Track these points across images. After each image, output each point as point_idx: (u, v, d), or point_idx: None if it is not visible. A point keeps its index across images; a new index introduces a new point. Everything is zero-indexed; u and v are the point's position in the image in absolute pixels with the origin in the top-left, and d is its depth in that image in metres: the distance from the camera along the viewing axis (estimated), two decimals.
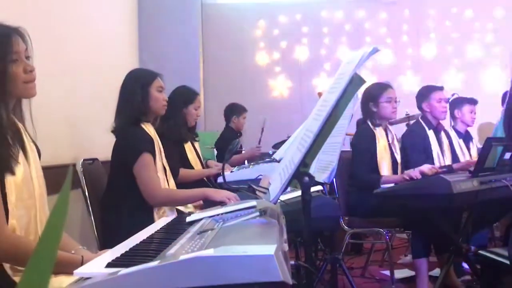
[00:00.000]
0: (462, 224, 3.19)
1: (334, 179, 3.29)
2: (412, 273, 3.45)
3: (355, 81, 1.64)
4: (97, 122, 3.27)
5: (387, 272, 3.59)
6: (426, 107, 3.58)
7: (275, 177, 1.68)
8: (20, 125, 1.56)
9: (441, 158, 3.52)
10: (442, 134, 3.68)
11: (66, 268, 1.32)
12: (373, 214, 3.20)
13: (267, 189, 1.64)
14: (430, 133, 3.55)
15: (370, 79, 5.28)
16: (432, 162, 3.39)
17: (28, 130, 1.61)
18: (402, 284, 3.41)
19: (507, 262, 1.89)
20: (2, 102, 1.46)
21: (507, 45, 5.85)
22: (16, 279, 1.42)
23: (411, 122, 3.94)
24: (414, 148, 3.48)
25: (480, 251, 2.09)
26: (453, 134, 4.00)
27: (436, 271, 3.36)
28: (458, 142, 3.99)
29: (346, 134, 3.53)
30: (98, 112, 3.31)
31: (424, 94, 3.60)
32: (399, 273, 3.62)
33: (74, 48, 3.13)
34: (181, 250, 1.19)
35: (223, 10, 5.95)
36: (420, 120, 3.62)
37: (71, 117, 3.05)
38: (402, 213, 3.10)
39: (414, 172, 3.13)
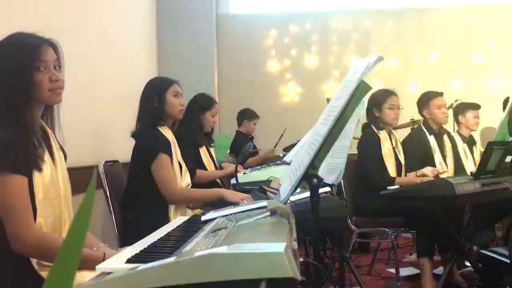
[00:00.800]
0: (464, 224, 3.17)
1: (341, 181, 3.29)
2: (417, 271, 3.43)
3: (362, 87, 1.64)
4: (117, 127, 3.30)
5: (393, 270, 3.57)
6: (427, 114, 3.53)
7: (285, 178, 1.68)
8: (49, 130, 1.59)
9: (443, 163, 3.48)
10: (445, 138, 3.64)
11: (89, 264, 1.34)
12: (379, 214, 3.19)
13: (278, 190, 1.65)
14: (431, 139, 3.51)
15: (376, 85, 5.27)
16: (434, 165, 3.37)
17: (57, 136, 1.64)
18: (407, 282, 3.39)
19: (508, 261, 1.88)
20: (28, 106, 1.47)
21: (509, 52, 5.79)
22: (43, 273, 1.44)
23: (416, 127, 3.90)
24: (412, 154, 3.45)
25: (482, 251, 2.08)
26: (457, 138, 3.97)
27: (440, 270, 3.34)
28: (462, 146, 3.96)
29: (353, 138, 3.53)
30: (119, 118, 3.35)
31: (424, 101, 3.55)
32: (404, 271, 3.59)
33: (97, 60, 3.17)
34: (197, 247, 1.20)
35: (237, 20, 5.97)
36: (422, 126, 3.59)
37: (94, 122, 3.09)
38: (407, 213, 3.09)
39: (418, 177, 3.13)
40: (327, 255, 3.39)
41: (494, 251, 2.01)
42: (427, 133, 3.51)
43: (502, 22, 5.85)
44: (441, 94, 3.55)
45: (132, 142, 2.52)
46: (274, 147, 4.62)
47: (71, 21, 2.76)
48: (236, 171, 2.11)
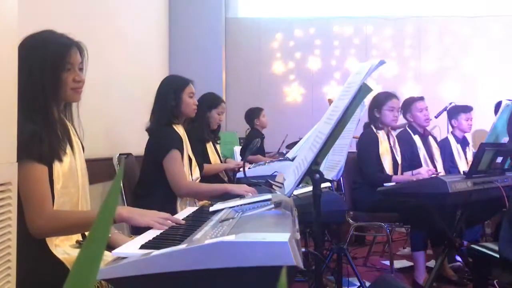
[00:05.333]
0: (456, 221, 3.17)
1: (341, 177, 3.30)
2: (410, 263, 3.43)
3: (363, 89, 1.64)
4: (131, 122, 3.32)
5: (387, 262, 3.57)
6: (410, 117, 3.56)
7: (289, 173, 1.69)
8: (69, 124, 1.60)
9: (428, 161, 3.49)
10: (430, 139, 3.65)
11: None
12: (375, 209, 3.19)
13: (282, 184, 1.66)
14: (416, 138, 3.52)
15: (375, 88, 5.26)
16: (420, 165, 3.38)
17: (76, 129, 1.65)
18: (401, 274, 3.39)
19: (497, 255, 1.88)
20: (55, 102, 1.51)
21: (500, 59, 5.78)
22: (56, 253, 1.45)
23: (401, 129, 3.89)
24: (402, 152, 3.45)
25: (473, 246, 2.08)
26: (451, 139, 3.97)
27: (432, 263, 3.34)
28: (456, 147, 3.96)
29: (353, 137, 3.54)
30: (132, 114, 3.36)
31: (407, 105, 3.57)
32: (398, 264, 3.59)
33: (113, 59, 3.18)
34: (206, 236, 1.20)
35: (244, 24, 5.97)
36: (407, 128, 3.60)
37: (109, 117, 3.10)
38: (402, 209, 3.08)
39: (414, 175, 3.13)
40: (326, 247, 3.39)
41: (484, 246, 2.01)
42: (412, 133, 3.53)
43: (494, 31, 5.84)
44: (422, 98, 3.57)
45: (144, 136, 2.53)
46: (278, 151, 4.64)
47: (90, 23, 2.77)
48: (244, 165, 2.11)
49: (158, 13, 4.92)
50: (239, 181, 3.16)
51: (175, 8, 5.39)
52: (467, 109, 3.96)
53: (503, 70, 5.76)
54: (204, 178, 2.91)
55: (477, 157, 2.71)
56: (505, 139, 3.47)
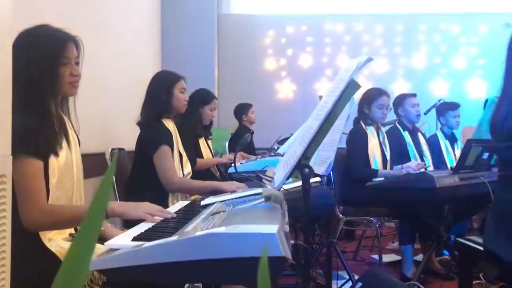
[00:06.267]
0: (444, 215, 3.21)
1: (331, 172, 3.33)
2: (399, 257, 3.47)
3: (352, 86, 1.67)
4: (124, 117, 3.32)
5: (376, 256, 3.61)
6: (401, 112, 3.60)
7: (279, 168, 1.71)
8: (65, 118, 1.61)
9: (417, 157, 3.53)
10: (419, 135, 3.70)
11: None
12: (365, 204, 3.22)
13: (272, 178, 1.68)
14: (406, 134, 3.57)
15: (365, 86, 5.29)
16: (409, 159, 3.42)
17: (73, 124, 1.66)
18: (390, 267, 3.43)
19: (482, 248, 1.91)
20: (52, 96, 1.52)
21: (488, 57, 5.83)
22: (50, 247, 1.46)
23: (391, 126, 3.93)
24: (391, 148, 3.49)
25: (458, 239, 2.12)
26: (440, 135, 4.02)
27: (420, 257, 3.39)
28: (444, 143, 4.01)
29: (343, 133, 3.57)
30: (125, 108, 3.36)
31: (399, 101, 3.62)
32: (387, 258, 3.64)
33: (105, 54, 3.18)
34: (197, 228, 1.22)
35: (237, 20, 5.97)
36: (397, 125, 3.64)
37: (102, 112, 3.10)
38: (391, 204, 3.12)
39: (403, 169, 3.16)
40: (316, 241, 3.42)
41: (469, 239, 2.05)
42: (401, 129, 3.57)
43: (482, 29, 5.89)
44: (414, 95, 3.62)
45: (137, 130, 2.54)
46: (270, 149, 4.65)
47: (83, 18, 2.77)
48: (235, 160, 2.12)
49: (150, 9, 4.91)
50: (231, 176, 3.18)
51: (167, 3, 5.38)
52: (454, 106, 4.00)
53: (491, 67, 5.82)
54: (196, 172, 2.93)
55: (464, 153, 2.75)
56: None
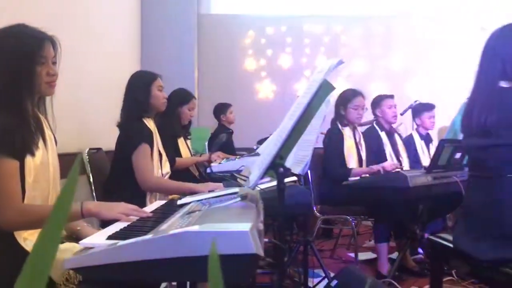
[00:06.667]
0: (418, 214, 3.29)
1: (308, 171, 3.37)
2: (375, 255, 3.53)
3: (326, 87, 1.70)
4: (102, 117, 3.31)
5: (353, 254, 3.67)
6: (379, 113, 3.66)
7: (255, 167, 1.74)
8: (42, 117, 1.61)
9: (394, 157, 3.60)
10: (396, 136, 3.77)
11: (70, 218, 1.49)
12: (341, 203, 3.27)
13: (247, 177, 1.70)
14: (383, 135, 3.63)
15: (344, 86, 5.36)
16: (385, 159, 3.48)
17: (50, 123, 1.66)
18: (365, 265, 3.49)
19: (452, 246, 1.97)
20: (29, 96, 1.51)
21: (463, 58, 5.95)
22: (25, 246, 1.46)
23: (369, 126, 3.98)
24: (368, 148, 3.56)
25: (430, 237, 2.17)
26: (416, 136, 4.10)
27: (395, 255, 3.45)
28: (419, 143, 4.09)
29: (320, 133, 3.62)
30: (104, 108, 3.35)
31: (377, 102, 3.68)
32: (363, 256, 3.70)
33: (84, 54, 3.16)
34: (172, 226, 1.24)
35: (217, 20, 5.98)
36: (374, 125, 3.71)
37: (80, 112, 3.09)
38: (366, 202, 3.18)
39: (377, 166, 3.22)
40: (294, 239, 3.46)
41: (440, 237, 2.10)
42: (378, 130, 3.63)
43: (458, 32, 6.00)
44: (392, 96, 3.68)
45: (115, 130, 2.54)
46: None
47: (62, 18, 2.76)
48: (210, 159, 2.14)
49: (130, 9, 4.89)
50: (209, 175, 3.20)
51: (147, 3, 5.36)
52: (429, 107, 4.08)
53: (467, 69, 5.93)
54: (175, 172, 2.93)
55: (436, 153, 2.82)
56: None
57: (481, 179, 1.82)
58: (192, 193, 2.14)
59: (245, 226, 1.07)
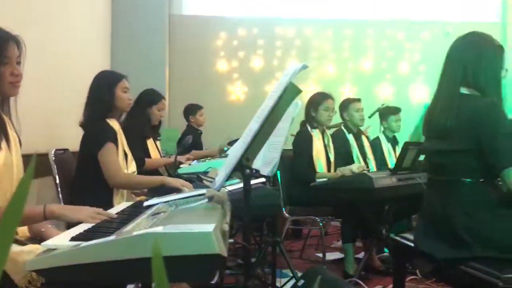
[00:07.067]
0: (384, 214, 3.36)
1: (278, 173, 3.41)
2: (342, 255, 3.59)
3: (292, 90, 1.74)
4: (69, 118, 3.26)
5: (321, 255, 3.72)
6: (346, 116, 3.73)
7: (221, 169, 1.75)
8: (6, 118, 1.59)
9: (361, 159, 3.67)
10: (363, 138, 3.85)
11: (34, 220, 1.49)
12: (309, 204, 3.32)
13: (214, 178, 1.72)
14: (350, 137, 3.70)
15: (314, 89, 5.44)
16: (353, 161, 3.55)
17: (14, 124, 1.64)
18: (333, 265, 3.54)
19: (413, 245, 2.03)
20: None
21: (430, 63, 6.11)
22: None
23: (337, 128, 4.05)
24: (336, 151, 3.62)
25: (392, 236, 2.23)
26: (382, 138, 4.18)
27: (362, 254, 3.52)
28: (386, 146, 4.18)
29: (291, 135, 3.66)
30: (71, 109, 3.30)
31: (345, 105, 3.75)
32: (331, 256, 3.75)
33: (51, 50, 3.12)
34: (136, 228, 1.24)
35: (189, 21, 5.96)
36: (342, 128, 3.77)
37: (47, 112, 3.04)
38: (334, 203, 3.24)
39: (345, 170, 3.28)
40: (263, 240, 3.49)
41: (403, 236, 2.16)
42: (346, 132, 3.70)
43: (426, 37, 6.16)
44: (359, 99, 3.76)
45: (82, 132, 2.51)
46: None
47: (31, 17, 2.71)
48: (175, 160, 2.14)
49: (100, 8, 4.84)
50: (179, 176, 3.19)
51: (118, 3, 5.31)
52: (396, 110, 4.18)
53: (434, 73, 6.08)
54: (144, 173, 2.92)
55: (401, 155, 2.90)
56: None
57: (437, 181, 1.88)
58: (163, 186, 2.13)
59: (208, 227, 1.08)
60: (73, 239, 1.21)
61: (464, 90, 1.84)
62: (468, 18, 6.12)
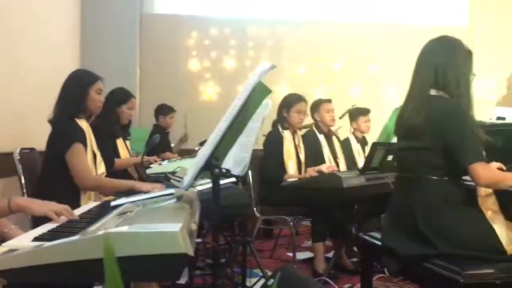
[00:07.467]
0: (353, 214, 3.41)
1: (250, 173, 3.42)
2: (312, 254, 3.63)
3: (262, 90, 1.74)
4: (36, 116, 3.20)
5: (292, 254, 3.74)
6: (317, 117, 3.77)
7: (190, 168, 1.75)
8: None
9: (331, 159, 3.72)
10: (334, 139, 3.90)
11: None
12: (280, 203, 3.34)
13: (182, 178, 1.71)
14: (321, 138, 3.74)
15: (286, 90, 5.48)
16: (324, 161, 3.59)
17: None
18: (303, 264, 3.56)
19: (380, 243, 2.07)
20: None
21: (400, 65, 6.20)
22: None
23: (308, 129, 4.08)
24: (306, 151, 3.65)
25: (360, 235, 2.27)
26: (352, 139, 4.24)
27: (332, 253, 3.56)
28: (356, 146, 4.23)
29: (263, 135, 3.68)
30: (39, 108, 3.23)
31: (315, 106, 3.78)
32: (302, 255, 3.78)
33: (19, 49, 3.05)
34: (101, 227, 1.23)
35: (160, 20, 5.91)
36: (313, 128, 3.81)
37: (12, 111, 2.97)
38: (304, 203, 3.27)
39: (313, 172, 3.31)
40: (234, 240, 3.49)
41: (370, 235, 2.20)
42: (317, 133, 3.74)
43: (396, 39, 6.26)
44: (329, 100, 3.80)
45: (50, 130, 2.46)
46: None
47: None
48: (142, 161, 2.12)
49: (70, 6, 4.75)
50: (149, 177, 3.16)
51: (88, 1, 5.22)
52: (365, 112, 4.24)
53: (403, 75, 6.19)
54: (114, 173, 2.88)
55: (369, 155, 2.95)
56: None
57: (404, 179, 1.93)
58: (133, 190, 2.11)
59: (175, 227, 1.08)
60: (36, 239, 1.18)
61: (434, 92, 1.89)
62: (437, 22, 6.26)
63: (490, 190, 1.83)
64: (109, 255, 0.38)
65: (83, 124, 2.43)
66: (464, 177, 1.86)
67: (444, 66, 1.88)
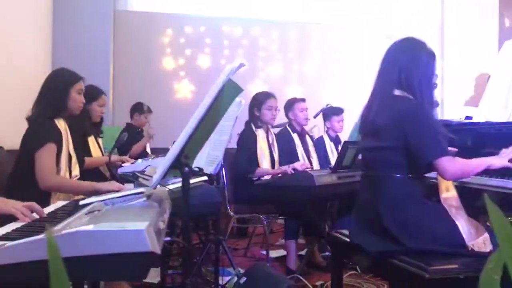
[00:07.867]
0: (326, 211, 3.44)
1: (224, 171, 3.42)
2: (285, 252, 3.65)
3: (232, 88, 1.75)
4: (6, 115, 3.13)
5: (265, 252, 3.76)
6: (291, 116, 3.80)
7: (160, 167, 1.74)
8: None
9: (305, 158, 3.75)
10: (307, 137, 3.93)
11: None
12: (254, 202, 3.35)
13: (151, 177, 1.70)
14: (295, 136, 3.77)
15: (261, 88, 5.48)
16: (297, 160, 3.61)
17: None
18: (276, 262, 3.58)
19: (348, 240, 2.10)
20: None
21: (372, 66, 6.29)
22: None
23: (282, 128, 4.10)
24: (280, 149, 3.68)
25: (330, 232, 2.30)
26: (326, 138, 4.28)
27: (305, 251, 3.59)
28: (329, 145, 4.27)
29: (237, 134, 3.68)
30: (6, 104, 3.17)
31: (289, 105, 3.81)
32: (275, 253, 3.80)
33: None
34: (67, 226, 1.21)
35: (134, 17, 5.85)
36: (287, 127, 3.84)
37: None
38: (277, 201, 3.28)
39: (288, 168, 3.33)
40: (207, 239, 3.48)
41: (340, 232, 2.22)
42: (291, 131, 3.77)
43: (367, 39, 6.34)
44: (303, 99, 3.84)
45: (19, 128, 2.41)
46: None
47: None
48: (109, 160, 2.09)
49: (41, 2, 4.65)
50: (121, 175, 3.12)
51: None
52: (338, 111, 4.28)
53: (372, 75, 6.28)
54: (85, 171, 2.83)
55: (341, 153, 2.98)
56: None
57: (369, 177, 1.96)
58: (95, 192, 2.08)
59: (141, 225, 1.07)
60: None
61: (398, 92, 1.92)
62: (409, 22, 6.37)
63: (451, 187, 1.87)
64: (54, 254, 0.38)
65: (61, 124, 2.38)
66: (427, 175, 1.91)
67: (407, 66, 1.91)
